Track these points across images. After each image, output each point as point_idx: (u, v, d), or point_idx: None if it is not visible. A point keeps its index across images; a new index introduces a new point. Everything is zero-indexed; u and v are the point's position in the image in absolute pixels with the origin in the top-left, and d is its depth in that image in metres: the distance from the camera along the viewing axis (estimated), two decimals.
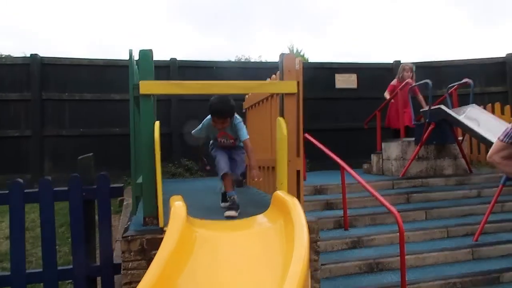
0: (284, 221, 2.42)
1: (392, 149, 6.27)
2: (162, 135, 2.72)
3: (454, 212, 5.02)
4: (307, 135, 5.89)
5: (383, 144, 6.58)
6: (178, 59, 7.89)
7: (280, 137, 2.91)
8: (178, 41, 33.53)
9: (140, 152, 2.79)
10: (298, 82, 3.08)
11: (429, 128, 5.69)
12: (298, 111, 3.02)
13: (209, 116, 3.13)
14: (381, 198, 3.86)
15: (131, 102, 2.90)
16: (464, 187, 5.63)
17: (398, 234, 4.32)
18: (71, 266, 2.87)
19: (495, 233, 4.60)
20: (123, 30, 36.85)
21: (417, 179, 5.76)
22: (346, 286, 3.72)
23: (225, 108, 2.99)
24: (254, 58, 21.50)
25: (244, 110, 5.15)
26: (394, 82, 6.74)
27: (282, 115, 3.04)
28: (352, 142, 7.91)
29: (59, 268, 2.86)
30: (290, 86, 3.01)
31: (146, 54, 2.82)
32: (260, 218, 2.64)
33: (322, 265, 3.87)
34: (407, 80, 6.22)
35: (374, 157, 6.80)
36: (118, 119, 7.49)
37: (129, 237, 2.61)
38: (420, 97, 6.56)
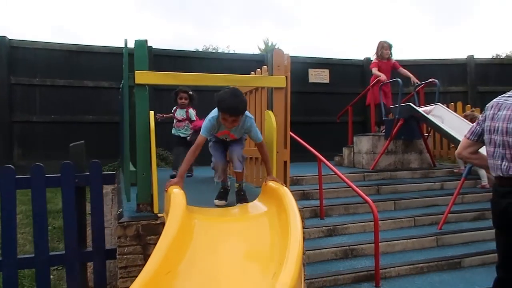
0: (276, 207, 2.58)
1: (363, 143, 6.59)
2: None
3: (420, 203, 5.38)
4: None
5: (354, 138, 6.88)
6: (153, 47, 7.82)
7: (269, 129, 3.06)
8: (144, 28, 32.81)
9: (125, 140, 2.84)
10: (286, 77, 3.23)
11: (398, 124, 6.03)
12: (286, 105, 3.17)
13: (214, 113, 2.85)
14: (358, 190, 4.11)
15: (125, 90, 2.94)
16: (429, 179, 6.02)
17: (370, 222, 4.65)
18: (63, 252, 2.90)
19: (456, 222, 5.00)
20: (86, 16, 35.52)
21: (386, 172, 6.10)
22: (323, 270, 3.95)
23: (241, 105, 2.70)
24: (222, 48, 21.47)
25: None
26: (375, 60, 6.89)
27: (270, 108, 3.18)
28: (324, 135, 8.18)
29: (51, 253, 2.88)
30: (280, 80, 3.16)
31: (141, 44, 2.86)
32: (253, 205, 2.78)
33: None
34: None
35: (345, 150, 7.10)
36: (91, 106, 7.38)
37: (124, 223, 2.69)
38: (403, 70, 6.78)
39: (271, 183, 2.82)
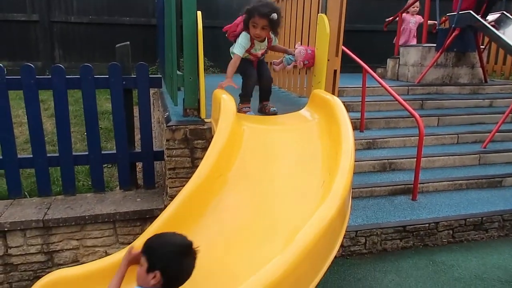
0: (326, 117, 2.52)
1: (410, 54, 6.19)
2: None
3: (465, 120, 5.18)
4: None
5: (401, 49, 6.46)
6: None
7: (321, 35, 2.87)
8: None
9: (169, 43, 2.75)
10: None
11: (453, 34, 5.55)
12: (341, 8, 2.92)
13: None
14: (404, 103, 3.95)
15: None
16: (478, 96, 5.71)
17: (411, 137, 4.57)
18: (114, 151, 3.02)
19: (503, 141, 4.82)
20: None
21: (432, 86, 5.80)
22: (360, 182, 4.01)
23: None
24: None
25: None
26: None
27: (324, 11, 2.94)
28: (367, 45, 7.73)
29: (103, 152, 3.01)
30: None
31: None
32: (301, 114, 2.73)
33: None
34: None
35: (390, 62, 6.73)
36: (128, 7, 7.14)
37: (173, 127, 2.72)
38: None
39: (321, 93, 2.73)
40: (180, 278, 1.54)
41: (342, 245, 3.27)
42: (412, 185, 3.84)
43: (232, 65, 2.80)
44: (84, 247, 2.79)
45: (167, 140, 2.74)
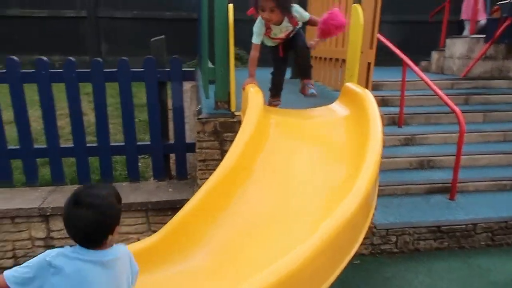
0: (356, 111, 2.46)
1: (457, 46, 5.88)
2: None
3: None
4: None
5: (447, 41, 6.16)
6: None
7: (355, 25, 2.79)
8: None
9: (204, 36, 2.78)
10: None
11: (504, 24, 5.21)
12: None
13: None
14: (445, 97, 3.78)
15: None
16: None
17: (453, 134, 4.35)
18: (148, 142, 3.14)
19: None
20: None
21: (479, 80, 5.49)
22: (395, 179, 3.89)
23: None
24: None
25: None
26: None
27: (358, 1, 2.87)
28: (411, 37, 7.44)
29: (138, 143, 3.13)
30: None
31: None
32: (331, 107, 2.69)
33: None
34: None
35: (434, 55, 6.44)
36: (171, 2, 7.32)
37: (203, 119, 2.78)
38: None
39: (352, 86, 2.68)
40: (66, 227, 1.33)
41: (372, 243, 3.20)
42: (451, 184, 3.68)
43: (251, 61, 2.73)
44: (118, 234, 2.92)
45: (198, 132, 2.80)
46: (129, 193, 2.99)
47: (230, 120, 2.81)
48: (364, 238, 3.15)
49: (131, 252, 1.99)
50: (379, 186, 3.67)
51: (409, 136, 4.44)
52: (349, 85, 2.72)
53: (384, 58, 5.15)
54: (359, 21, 2.72)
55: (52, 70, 2.88)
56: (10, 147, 3.03)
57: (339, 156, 2.25)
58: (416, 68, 4.26)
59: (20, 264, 1.40)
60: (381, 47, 4.69)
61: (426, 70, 6.58)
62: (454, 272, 2.97)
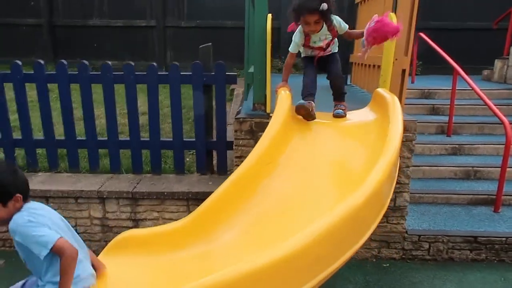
0: (381, 116, 2.56)
1: None
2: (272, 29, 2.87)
3: None
4: (422, 34, 5.54)
5: (511, 49, 5.85)
6: None
7: None
8: None
9: (252, 43, 3.03)
10: None
11: None
12: (412, 7, 2.90)
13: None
14: (493, 106, 3.68)
15: None
16: None
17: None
18: (194, 139, 3.46)
19: None
20: None
21: None
22: (436, 187, 3.84)
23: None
24: None
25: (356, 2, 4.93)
26: None
27: (394, 10, 2.95)
28: (474, 44, 7.13)
29: (185, 139, 3.47)
30: None
31: None
32: (360, 111, 2.81)
33: (416, 166, 4.00)
34: None
35: (498, 63, 6.13)
36: (230, 11, 7.74)
37: (240, 119, 3.03)
38: None
39: (382, 92, 2.77)
40: None
41: (403, 248, 3.22)
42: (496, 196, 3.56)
43: (285, 67, 2.91)
44: (162, 219, 3.26)
45: (235, 131, 3.06)
46: (174, 183, 3.32)
47: (264, 120, 3.02)
48: (395, 243, 3.22)
49: (161, 231, 2.30)
50: (418, 193, 3.68)
51: (456, 146, 4.34)
52: (379, 91, 2.81)
53: (443, 66, 5.07)
54: None
55: (115, 73, 3.31)
56: (78, 138, 3.51)
57: (359, 157, 2.37)
58: (465, 76, 4.17)
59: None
60: (439, 57, 4.65)
61: (488, 79, 6.30)
62: (487, 284, 2.90)
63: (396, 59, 2.93)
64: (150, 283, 2.06)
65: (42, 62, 3.39)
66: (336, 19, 2.72)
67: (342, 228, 1.72)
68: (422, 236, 3.19)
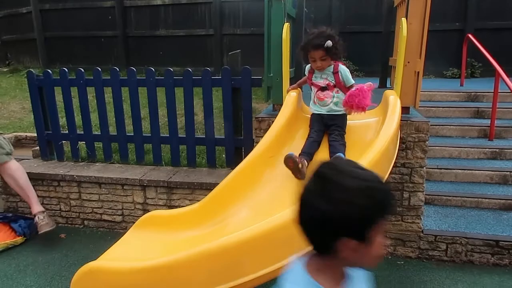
0: (383, 117, 2.69)
1: None
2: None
3: None
4: (470, 36, 5.36)
5: None
6: None
7: (401, 38, 2.98)
8: None
9: (270, 50, 3.31)
10: None
11: None
12: (425, 11, 2.97)
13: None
14: None
15: (265, 4, 3.33)
16: None
17: None
18: (223, 137, 3.82)
19: None
20: None
21: None
22: (466, 190, 3.77)
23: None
24: None
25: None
26: None
27: (406, 15, 3.05)
28: None
29: (216, 137, 3.85)
30: None
31: None
32: (368, 112, 2.94)
33: (447, 169, 3.96)
34: None
35: None
36: None
37: (259, 118, 3.32)
38: None
39: (388, 93, 2.88)
40: None
41: (419, 247, 3.26)
42: None
43: (300, 80, 3.07)
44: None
45: (255, 129, 3.36)
46: (206, 175, 3.70)
47: None
48: (410, 241, 3.29)
49: (183, 212, 2.65)
50: (445, 196, 3.65)
51: (497, 150, 4.19)
52: (386, 92, 2.93)
53: (489, 68, 4.88)
54: (402, 34, 2.91)
55: (157, 78, 3.80)
56: (128, 134, 4.06)
57: (354, 150, 2.54)
58: (506, 78, 4.02)
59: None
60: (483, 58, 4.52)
61: None
62: None
63: (408, 62, 3.01)
64: (168, 251, 2.43)
65: (117, 69, 3.95)
66: (344, 70, 2.68)
67: None
68: (438, 237, 3.20)
